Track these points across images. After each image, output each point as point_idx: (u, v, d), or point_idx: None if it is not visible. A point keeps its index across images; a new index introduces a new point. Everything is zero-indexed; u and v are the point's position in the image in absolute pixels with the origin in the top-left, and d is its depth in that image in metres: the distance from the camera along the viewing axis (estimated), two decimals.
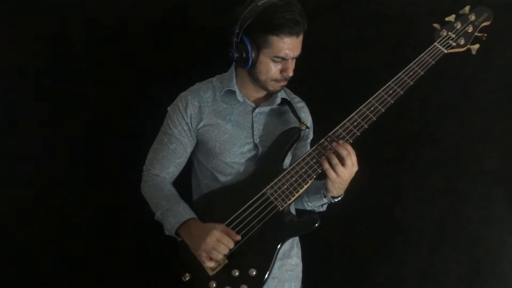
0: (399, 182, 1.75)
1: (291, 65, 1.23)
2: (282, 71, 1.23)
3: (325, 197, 1.26)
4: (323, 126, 1.25)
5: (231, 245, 1.14)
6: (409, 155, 1.75)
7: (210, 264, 1.15)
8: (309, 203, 1.33)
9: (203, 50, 1.70)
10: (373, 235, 1.77)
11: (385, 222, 1.76)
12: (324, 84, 1.76)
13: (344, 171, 1.14)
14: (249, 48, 1.20)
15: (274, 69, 1.23)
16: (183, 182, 1.36)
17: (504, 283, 1.67)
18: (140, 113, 1.71)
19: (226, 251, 1.14)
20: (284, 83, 1.27)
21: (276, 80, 1.25)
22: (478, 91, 1.68)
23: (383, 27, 1.73)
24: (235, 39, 1.23)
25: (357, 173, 1.18)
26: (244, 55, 1.22)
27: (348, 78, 1.74)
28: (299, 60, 1.33)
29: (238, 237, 1.16)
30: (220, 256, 1.14)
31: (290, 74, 1.24)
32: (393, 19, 1.72)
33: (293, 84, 1.46)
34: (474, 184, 1.70)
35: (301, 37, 1.21)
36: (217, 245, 1.13)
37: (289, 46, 1.19)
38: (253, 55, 1.20)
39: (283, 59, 1.21)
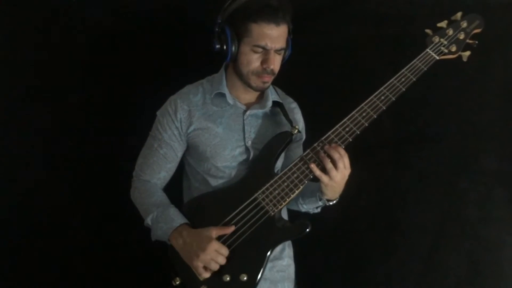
0: (399, 182, 1.75)
1: (273, 57, 1.19)
2: (262, 62, 1.20)
3: (320, 200, 1.26)
4: (320, 127, 1.24)
5: (227, 253, 1.14)
6: (409, 155, 1.74)
7: (206, 275, 1.14)
8: (304, 206, 1.33)
9: (194, 51, 1.70)
10: (373, 235, 1.77)
11: (385, 222, 1.76)
12: (324, 84, 1.75)
13: (336, 174, 1.14)
14: (229, 37, 1.19)
15: (254, 61, 1.20)
16: (174, 185, 1.36)
17: (504, 283, 1.67)
18: (131, 114, 1.70)
19: (224, 262, 1.14)
20: (267, 78, 1.23)
21: (257, 75, 1.22)
22: (478, 91, 1.68)
23: (383, 27, 1.72)
24: (217, 30, 1.22)
25: (351, 175, 1.17)
26: (225, 46, 1.20)
27: (347, 78, 1.73)
28: (298, 59, 1.32)
29: (232, 228, 1.16)
30: (217, 267, 1.14)
31: (271, 66, 1.19)
32: (393, 19, 1.72)
33: (292, 84, 1.46)
34: (474, 184, 1.69)
35: (282, 28, 1.18)
36: (216, 256, 1.13)
37: (268, 34, 1.16)
38: (234, 45, 1.19)
39: (263, 48, 1.18)
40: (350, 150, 1.18)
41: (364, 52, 1.73)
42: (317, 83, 1.75)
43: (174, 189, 1.35)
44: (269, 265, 1.25)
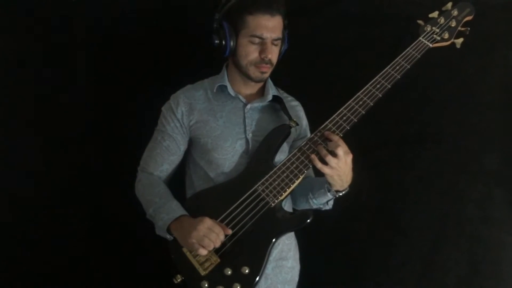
0: (399, 182, 1.75)
1: (270, 47, 1.24)
2: (260, 52, 1.24)
3: (329, 192, 1.24)
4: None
5: (222, 236, 1.13)
6: (409, 155, 1.74)
7: (202, 252, 1.11)
8: (314, 201, 1.30)
9: (197, 53, 1.71)
10: (373, 235, 1.77)
11: (385, 222, 1.76)
12: (324, 84, 1.76)
13: (338, 161, 1.13)
14: (227, 32, 1.24)
15: (252, 51, 1.25)
16: (177, 186, 1.36)
17: (504, 283, 1.66)
18: (134, 115, 1.70)
19: (217, 241, 1.12)
20: (265, 69, 1.27)
21: (256, 65, 1.26)
22: (478, 91, 1.68)
23: (383, 27, 1.73)
24: (216, 26, 1.27)
25: (353, 161, 1.16)
26: (223, 40, 1.25)
27: (347, 78, 1.73)
28: (299, 59, 1.32)
29: (229, 231, 1.15)
30: (211, 245, 1.11)
31: (269, 56, 1.24)
32: (393, 19, 1.72)
33: (293, 83, 1.46)
34: (474, 184, 1.69)
35: (277, 19, 1.24)
36: (208, 233, 1.11)
37: (263, 24, 1.22)
38: (232, 39, 1.24)
39: (260, 38, 1.23)
40: (350, 150, 1.16)
41: (364, 52, 1.73)
42: (318, 83, 1.75)
43: (177, 191, 1.34)
44: (273, 264, 1.25)
